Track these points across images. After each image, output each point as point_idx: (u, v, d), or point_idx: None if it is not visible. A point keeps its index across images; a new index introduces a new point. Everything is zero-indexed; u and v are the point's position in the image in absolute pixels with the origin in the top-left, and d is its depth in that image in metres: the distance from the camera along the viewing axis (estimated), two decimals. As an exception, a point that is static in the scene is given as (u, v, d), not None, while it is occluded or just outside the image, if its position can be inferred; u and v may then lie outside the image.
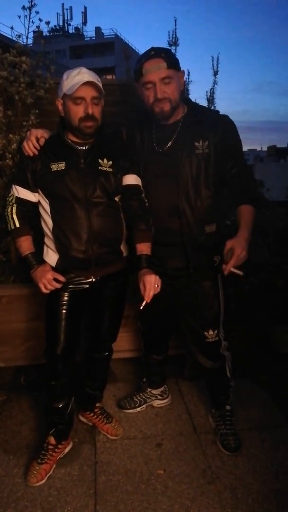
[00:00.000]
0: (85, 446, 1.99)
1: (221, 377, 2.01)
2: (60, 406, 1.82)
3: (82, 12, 45.54)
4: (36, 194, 1.72)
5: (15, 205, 1.73)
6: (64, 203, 1.66)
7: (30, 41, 2.61)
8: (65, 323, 1.75)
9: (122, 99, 2.40)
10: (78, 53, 38.70)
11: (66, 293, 1.75)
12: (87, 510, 1.64)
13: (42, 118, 2.29)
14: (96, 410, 2.08)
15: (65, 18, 43.80)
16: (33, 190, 1.71)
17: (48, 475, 1.78)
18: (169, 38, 2.62)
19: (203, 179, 1.70)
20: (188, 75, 2.70)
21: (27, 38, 2.47)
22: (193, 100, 1.91)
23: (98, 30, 42.53)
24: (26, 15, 2.32)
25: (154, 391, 2.26)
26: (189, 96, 2.57)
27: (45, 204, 1.70)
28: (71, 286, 1.75)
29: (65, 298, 1.75)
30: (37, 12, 2.38)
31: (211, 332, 1.89)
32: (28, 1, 2.32)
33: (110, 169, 1.69)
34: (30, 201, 1.73)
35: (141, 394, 2.26)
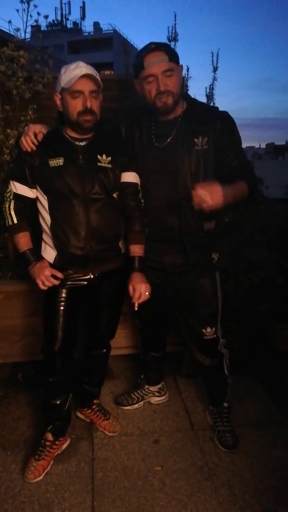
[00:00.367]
0: (82, 442, 1.99)
1: (219, 374, 2.01)
2: (58, 402, 1.82)
3: (80, 6, 45.22)
4: (34, 190, 1.71)
5: (13, 201, 1.72)
6: (62, 199, 1.65)
7: (28, 35, 2.59)
8: (63, 320, 1.74)
9: (120, 95, 2.39)
10: (76, 48, 38.46)
11: (64, 290, 1.74)
12: (85, 506, 1.65)
13: (40, 113, 2.27)
14: (93, 406, 2.08)
15: (63, 13, 43.51)
16: (31, 186, 1.70)
17: (45, 471, 1.78)
18: (168, 33, 2.60)
19: (202, 175, 1.70)
20: (188, 71, 2.69)
21: (25, 32, 2.45)
22: (192, 96, 1.90)
23: (96, 25, 42.29)
24: (24, 9, 2.30)
25: (151, 388, 2.26)
26: (188, 92, 2.56)
27: (43, 200, 1.69)
28: (69, 282, 1.74)
29: (63, 295, 1.74)
30: (35, 6, 2.36)
31: (209, 329, 1.89)
32: (27, -6, 2.30)
33: (109, 165, 1.68)
34: (28, 197, 1.72)
35: (138, 391, 2.26)
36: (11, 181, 1.73)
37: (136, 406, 2.23)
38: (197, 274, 1.85)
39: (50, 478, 1.77)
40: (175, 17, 2.65)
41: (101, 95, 1.65)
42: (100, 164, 1.67)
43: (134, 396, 2.24)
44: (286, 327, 2.65)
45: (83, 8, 45.29)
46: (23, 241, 1.73)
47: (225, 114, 1.75)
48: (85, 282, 1.76)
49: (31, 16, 2.36)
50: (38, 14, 2.44)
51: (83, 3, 45.46)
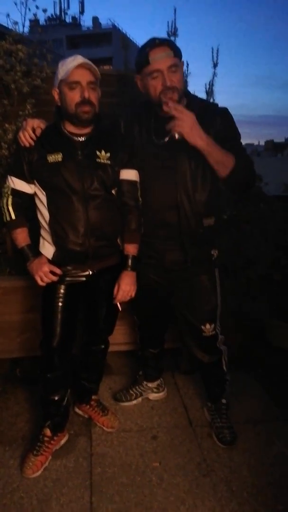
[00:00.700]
0: (81, 438, 1.99)
1: (217, 370, 2.01)
2: (56, 398, 1.82)
3: (79, 1, 44.89)
4: (32, 185, 1.70)
5: (10, 196, 1.71)
6: (61, 195, 1.64)
7: (26, 29, 2.57)
8: (61, 316, 1.74)
9: (119, 90, 2.37)
10: (75, 43, 38.27)
11: (62, 286, 1.74)
12: (83, 501, 1.65)
13: (38, 107, 2.26)
14: (92, 402, 2.08)
15: (62, 7, 43.23)
16: (29, 181, 1.69)
17: (43, 466, 1.79)
18: (168, 28, 2.59)
19: (201, 172, 1.69)
20: (187, 67, 2.68)
21: (23, 26, 2.43)
22: (191, 93, 1.89)
23: (95, 20, 42.05)
24: (22, 2, 2.28)
25: (150, 384, 2.27)
26: (188, 88, 2.55)
27: (42, 196, 1.68)
28: (67, 278, 1.73)
29: (62, 291, 1.74)
30: (34, -1, 2.34)
31: (208, 326, 1.89)
32: (25, -13, 2.28)
33: (108, 162, 1.67)
34: (26, 192, 1.71)
35: (137, 387, 2.26)
36: (8, 176, 1.72)
37: (134, 402, 2.23)
38: (196, 270, 1.84)
39: (49, 473, 1.78)
40: (174, 12, 2.64)
41: (100, 90, 1.64)
42: (99, 161, 1.66)
43: (132, 392, 2.25)
44: (283, 324, 2.65)
45: (82, 3, 44.99)
46: (21, 237, 1.73)
47: (224, 110, 1.74)
48: (84, 279, 1.75)
49: (29, 9, 2.34)
50: (37, 7, 2.42)
51: (82, -3, 45.13)
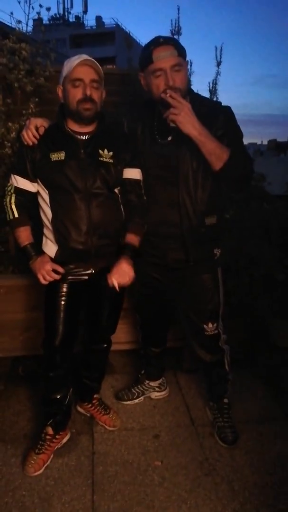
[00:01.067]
0: (82, 436, 1.99)
1: (220, 370, 2.01)
2: (58, 397, 1.82)
3: (82, 0, 44.88)
4: (35, 184, 1.70)
5: (13, 195, 1.71)
6: (63, 194, 1.64)
7: (30, 28, 2.57)
8: (64, 315, 1.74)
9: (122, 89, 2.37)
10: (79, 42, 38.21)
11: (65, 285, 1.74)
12: (84, 500, 1.65)
13: (41, 106, 2.26)
14: (94, 401, 2.08)
15: (65, 6, 43.23)
16: (32, 180, 1.69)
17: (45, 465, 1.79)
18: (171, 27, 2.58)
19: (203, 171, 1.68)
20: (190, 66, 2.66)
21: (26, 25, 2.44)
22: (195, 91, 1.88)
23: (98, 19, 42.00)
24: (26, 1, 2.29)
25: (152, 383, 2.26)
26: (191, 87, 2.54)
27: (45, 194, 1.69)
28: (70, 277, 1.74)
29: (64, 290, 1.74)
30: (37, -3, 2.34)
31: (210, 325, 1.89)
32: (28, -14, 2.29)
33: (111, 160, 1.67)
34: (29, 191, 1.71)
35: (139, 386, 2.26)
36: (12, 175, 1.72)
37: (136, 401, 2.23)
38: (199, 269, 1.84)
39: (50, 472, 1.78)
40: (178, 10, 2.63)
41: (104, 91, 1.64)
42: (101, 159, 1.66)
43: (134, 391, 2.25)
44: (286, 323, 2.64)
45: (85, 2, 44.97)
46: (24, 235, 1.73)
47: (227, 109, 1.74)
48: (86, 277, 1.75)
49: (33, 8, 2.35)
50: (40, 6, 2.43)
51: (85, -4, 45.11)
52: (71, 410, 1.97)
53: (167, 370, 2.35)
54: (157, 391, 2.28)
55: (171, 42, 1.61)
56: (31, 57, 2.29)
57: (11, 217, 1.72)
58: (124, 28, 39.05)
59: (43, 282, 1.69)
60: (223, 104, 1.80)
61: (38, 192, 1.72)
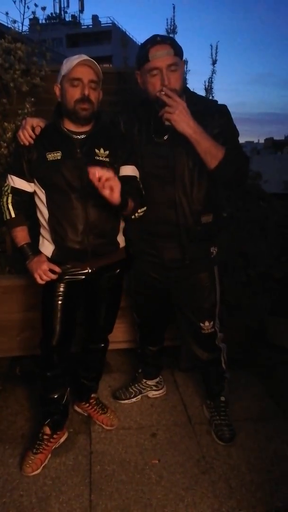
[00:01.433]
0: (80, 436, 1.99)
1: (216, 368, 2.02)
2: (56, 396, 1.82)
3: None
4: (32, 184, 1.70)
5: (10, 195, 1.71)
6: (60, 193, 1.64)
7: (25, 28, 2.56)
8: (61, 314, 1.74)
9: (118, 88, 2.37)
10: (75, 41, 38.14)
11: (62, 284, 1.74)
12: (82, 499, 1.65)
13: (37, 106, 2.25)
14: (91, 400, 2.08)
15: (62, 6, 43.17)
16: (28, 180, 1.69)
17: (43, 464, 1.79)
18: (167, 25, 2.58)
19: (199, 170, 1.69)
20: (186, 64, 2.67)
21: (22, 24, 2.42)
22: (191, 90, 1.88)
23: (95, 18, 41.93)
24: (21, 0, 2.28)
25: (149, 382, 2.27)
26: (187, 86, 2.54)
27: (41, 194, 1.69)
28: (67, 277, 1.74)
29: (61, 289, 1.74)
30: (32, -3, 2.33)
31: (207, 323, 1.90)
32: (24, -14, 2.28)
33: (107, 159, 1.67)
34: (25, 191, 1.71)
35: (136, 385, 2.26)
36: (8, 175, 1.72)
37: (133, 400, 2.24)
38: (195, 268, 1.85)
39: (48, 471, 1.78)
40: (173, 9, 2.63)
41: (101, 92, 1.64)
42: (97, 158, 1.66)
43: (132, 390, 2.25)
44: (283, 321, 2.65)
45: (81, 1, 44.87)
46: (21, 235, 1.73)
47: (222, 107, 1.74)
48: (83, 277, 1.75)
49: (28, 7, 2.34)
50: (36, 6, 2.41)
51: (82, -5, 44.99)
52: (69, 410, 1.97)
53: (164, 368, 2.36)
54: (155, 390, 2.29)
55: (168, 41, 1.61)
56: (26, 57, 2.28)
57: (8, 217, 1.72)
58: (120, 27, 39.02)
59: (40, 282, 1.69)
60: (219, 102, 1.81)
61: (34, 192, 1.72)
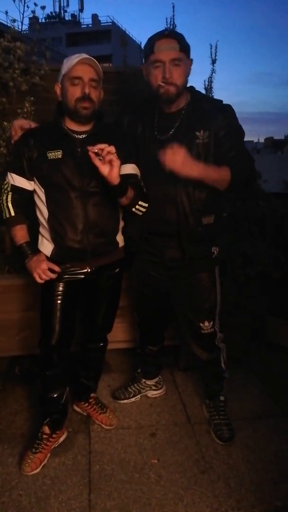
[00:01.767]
0: (79, 435, 1.99)
1: (216, 368, 2.01)
2: (55, 396, 1.82)
3: (78, -2, 44.74)
4: (32, 182, 1.70)
5: (10, 193, 1.71)
6: (60, 192, 1.64)
7: (25, 27, 2.56)
8: (60, 314, 1.74)
9: (118, 87, 2.37)
10: (75, 40, 38.10)
11: (61, 284, 1.73)
12: (81, 499, 1.65)
13: (37, 105, 2.25)
14: (90, 400, 2.08)
15: (61, 5, 43.09)
16: (29, 178, 1.68)
17: (42, 464, 1.79)
18: (167, 25, 2.58)
19: None
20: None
21: (21, 23, 2.42)
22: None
23: (95, 17, 41.88)
24: None
25: (148, 382, 2.27)
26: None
27: (41, 193, 1.68)
28: (66, 276, 1.73)
29: (60, 289, 1.73)
30: (32, -4, 2.33)
31: (206, 323, 1.90)
32: (23, -15, 2.28)
33: None
34: (25, 189, 1.70)
35: (135, 384, 2.26)
36: (8, 173, 1.72)
37: (133, 399, 2.24)
38: (196, 268, 1.84)
39: (47, 471, 1.78)
40: (173, 8, 2.63)
41: (102, 91, 1.64)
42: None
43: (131, 390, 2.25)
44: (282, 321, 2.65)
45: (81, 0, 44.81)
46: (20, 234, 1.72)
47: (227, 107, 1.73)
48: (82, 276, 1.75)
49: (28, 6, 2.34)
50: (35, 5, 2.41)
51: (81, -6, 44.93)
52: (68, 409, 1.97)
53: (163, 368, 2.36)
54: (154, 390, 2.28)
55: (175, 36, 1.62)
56: (26, 56, 2.28)
57: (7, 215, 1.72)
58: (120, 26, 38.98)
59: (39, 281, 1.69)
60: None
61: (34, 191, 1.71)
